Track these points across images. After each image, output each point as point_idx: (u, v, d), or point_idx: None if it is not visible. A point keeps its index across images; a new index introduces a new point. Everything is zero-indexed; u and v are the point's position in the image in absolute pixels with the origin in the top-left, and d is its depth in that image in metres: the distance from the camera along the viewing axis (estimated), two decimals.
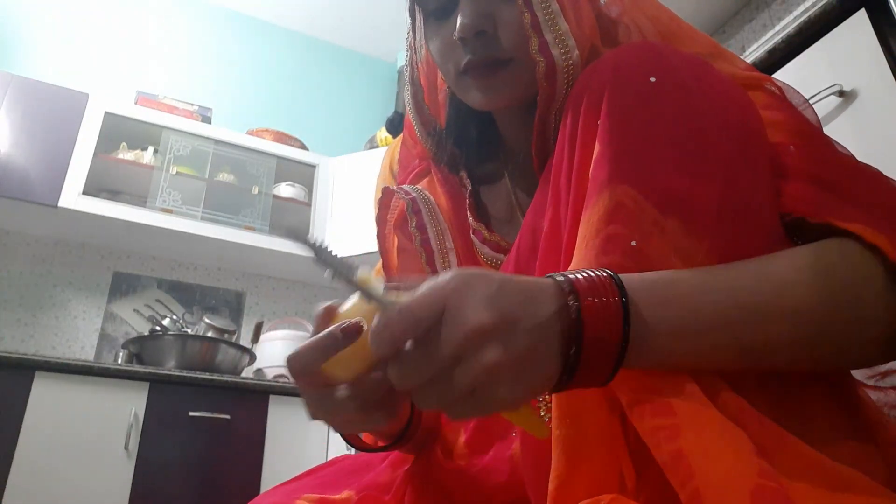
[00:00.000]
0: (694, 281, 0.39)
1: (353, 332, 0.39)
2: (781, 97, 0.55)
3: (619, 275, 0.38)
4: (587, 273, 0.37)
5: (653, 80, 0.45)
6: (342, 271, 0.37)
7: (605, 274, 0.37)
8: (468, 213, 0.66)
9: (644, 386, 0.37)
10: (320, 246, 0.37)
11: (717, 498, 0.31)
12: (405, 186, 0.70)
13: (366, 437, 0.59)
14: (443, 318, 0.34)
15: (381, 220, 0.72)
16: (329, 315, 0.42)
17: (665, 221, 0.41)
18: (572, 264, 0.43)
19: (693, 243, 0.41)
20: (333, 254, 0.37)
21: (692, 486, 0.32)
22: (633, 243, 0.40)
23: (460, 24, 0.56)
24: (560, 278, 0.37)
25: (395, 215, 0.71)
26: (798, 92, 0.56)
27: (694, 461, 0.33)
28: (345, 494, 0.57)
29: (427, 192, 0.69)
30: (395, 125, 3.08)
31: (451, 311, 0.34)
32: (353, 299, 0.41)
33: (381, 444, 0.58)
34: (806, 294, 0.40)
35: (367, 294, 0.37)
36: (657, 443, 0.35)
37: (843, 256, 0.43)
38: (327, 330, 0.39)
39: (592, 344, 0.35)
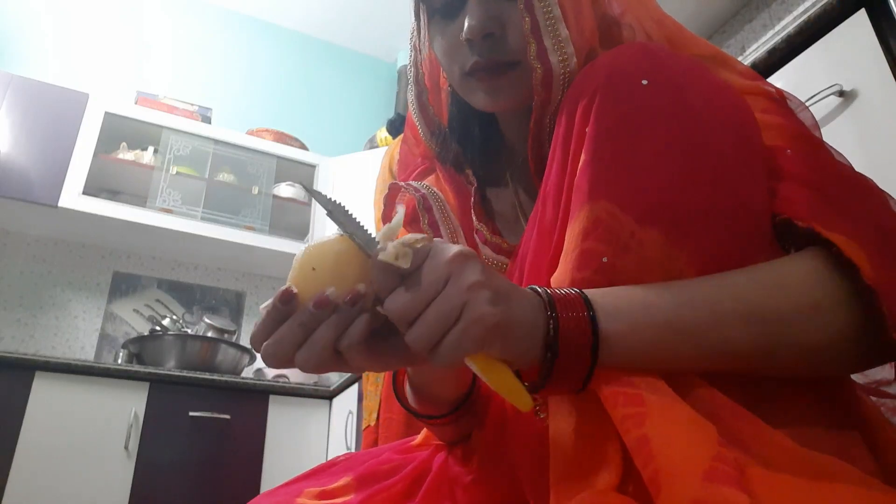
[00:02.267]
0: (654, 291, 0.42)
1: (287, 298, 0.39)
2: (781, 103, 0.55)
3: (586, 290, 0.41)
4: (561, 290, 0.42)
5: (645, 82, 0.45)
6: (351, 224, 0.41)
7: (574, 292, 0.41)
8: (472, 211, 0.65)
9: (620, 381, 0.39)
10: (333, 202, 0.41)
11: (672, 477, 0.34)
12: (413, 183, 0.68)
13: (420, 408, 0.56)
14: (429, 254, 0.38)
15: (386, 219, 0.70)
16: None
17: (643, 233, 0.42)
18: (554, 276, 0.46)
19: (673, 251, 0.43)
20: (347, 211, 0.41)
21: (652, 467, 0.35)
22: (605, 259, 0.42)
23: (468, 25, 0.55)
24: (540, 290, 0.41)
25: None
26: (796, 97, 0.56)
27: (655, 446, 0.35)
28: (343, 482, 0.57)
29: (436, 189, 0.68)
30: (396, 127, 3.07)
31: (436, 250, 0.39)
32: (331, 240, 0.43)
33: (441, 411, 0.55)
34: (761, 299, 0.42)
35: (356, 232, 0.41)
36: (626, 429, 0.37)
37: (809, 269, 0.43)
38: (265, 306, 0.40)
39: (567, 334, 0.39)
